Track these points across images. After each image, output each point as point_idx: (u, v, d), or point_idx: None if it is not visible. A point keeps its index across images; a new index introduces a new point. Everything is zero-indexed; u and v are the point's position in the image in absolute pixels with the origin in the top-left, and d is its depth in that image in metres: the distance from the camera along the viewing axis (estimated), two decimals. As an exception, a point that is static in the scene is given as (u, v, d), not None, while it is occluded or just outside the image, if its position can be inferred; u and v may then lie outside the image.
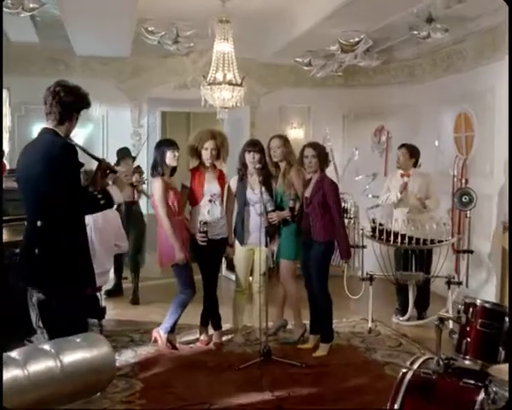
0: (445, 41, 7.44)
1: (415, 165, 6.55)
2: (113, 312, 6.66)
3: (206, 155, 5.36)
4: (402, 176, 6.50)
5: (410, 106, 8.49)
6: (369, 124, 9.02)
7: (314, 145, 5.36)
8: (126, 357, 5.14)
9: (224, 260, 5.59)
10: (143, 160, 8.43)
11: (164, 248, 5.24)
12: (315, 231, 5.18)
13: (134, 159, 7.20)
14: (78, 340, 2.83)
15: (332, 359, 5.17)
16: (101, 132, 8.63)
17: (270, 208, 5.26)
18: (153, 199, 5.27)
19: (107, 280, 5.73)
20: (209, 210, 5.38)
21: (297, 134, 9.07)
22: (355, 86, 9.00)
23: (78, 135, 8.48)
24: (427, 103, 8.27)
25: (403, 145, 6.56)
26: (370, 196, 8.60)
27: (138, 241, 7.22)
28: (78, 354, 2.74)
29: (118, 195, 3.68)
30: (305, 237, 5.28)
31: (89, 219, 5.06)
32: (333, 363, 5.04)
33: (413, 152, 6.49)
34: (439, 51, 7.97)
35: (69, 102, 3.44)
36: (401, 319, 6.42)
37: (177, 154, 5.21)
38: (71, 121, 3.52)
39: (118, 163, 6.86)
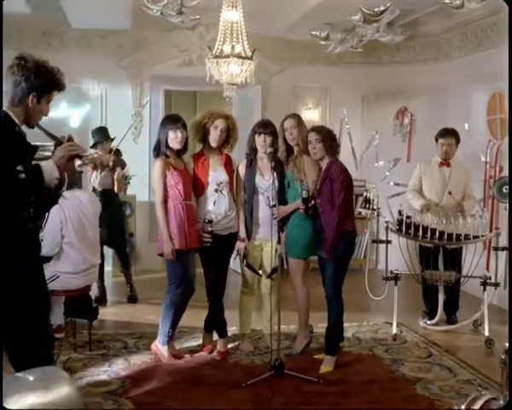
0: (477, 13, 6.77)
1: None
2: (108, 310, 6.03)
3: (214, 134, 4.67)
4: (441, 165, 5.81)
5: (436, 85, 7.94)
6: (391, 105, 8.49)
7: (318, 129, 4.71)
8: (117, 368, 4.48)
9: (236, 256, 4.86)
10: (145, 145, 7.85)
11: (159, 237, 4.62)
12: (325, 225, 4.52)
13: (112, 140, 6.35)
14: (30, 378, 2.14)
15: (354, 373, 4.49)
16: (99, 113, 8.05)
17: (271, 203, 4.55)
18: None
19: (96, 277, 5.04)
20: (215, 201, 4.69)
21: (312, 115, 8.49)
22: (376, 64, 8.44)
23: (74, 116, 8.02)
24: (455, 83, 7.66)
25: (449, 133, 5.79)
26: (392, 183, 8.06)
27: (120, 233, 6.57)
28: (29, 398, 2.05)
29: (50, 170, 2.81)
30: (321, 231, 4.61)
31: (58, 209, 4.39)
32: (355, 380, 4.36)
33: (459, 139, 5.82)
34: (470, 24, 7.35)
35: (25, 80, 2.79)
36: (429, 323, 5.74)
37: (180, 135, 4.53)
38: (28, 104, 2.85)
39: (94, 147, 6.14)
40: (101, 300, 6.24)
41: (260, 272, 4.91)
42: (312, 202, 4.62)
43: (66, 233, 4.59)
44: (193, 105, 10.19)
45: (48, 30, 7.76)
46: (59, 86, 2.96)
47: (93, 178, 6.23)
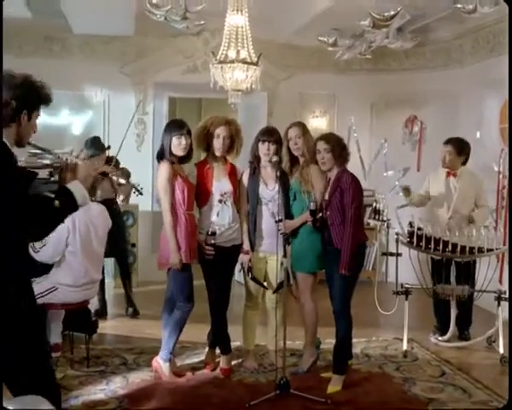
0: (489, 18, 6.59)
1: (464, 162, 5.66)
2: (107, 324, 5.83)
3: (217, 143, 4.47)
4: (448, 175, 5.61)
5: (446, 93, 7.74)
6: (400, 113, 8.31)
7: (327, 138, 4.47)
8: (115, 387, 4.27)
9: (240, 269, 4.65)
10: (148, 153, 7.68)
11: (162, 247, 4.40)
12: (336, 238, 4.31)
13: (108, 148, 6.03)
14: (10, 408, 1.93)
15: (363, 393, 4.28)
16: (101, 121, 7.85)
17: (277, 218, 4.30)
18: (157, 189, 4.49)
19: (96, 292, 4.84)
20: (219, 212, 4.48)
21: (319, 124, 8.34)
22: (385, 71, 8.27)
23: (76, 123, 7.86)
24: (466, 90, 7.47)
25: (448, 141, 5.63)
26: (401, 193, 7.80)
27: (122, 243, 6.36)
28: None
29: (81, 191, 2.71)
30: (329, 244, 4.40)
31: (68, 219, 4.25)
32: (365, 400, 4.15)
33: (462, 148, 5.59)
34: (482, 30, 7.17)
35: (15, 99, 2.60)
36: (440, 339, 5.51)
37: (184, 142, 4.33)
38: (21, 123, 2.66)
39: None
40: (102, 313, 6.04)
41: (265, 284, 4.71)
42: (320, 214, 4.42)
43: (72, 243, 4.41)
44: (198, 112, 10.00)
45: (49, 35, 7.60)
46: (47, 100, 2.76)
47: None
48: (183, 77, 7.95)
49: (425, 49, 7.95)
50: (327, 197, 4.40)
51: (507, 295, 5.14)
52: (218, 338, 4.69)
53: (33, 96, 2.69)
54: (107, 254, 6.04)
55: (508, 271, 5.06)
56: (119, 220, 6.34)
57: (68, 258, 4.43)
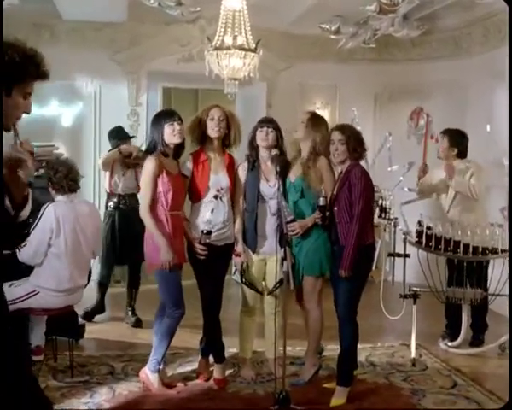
0: (500, 5, 6.25)
1: (460, 155, 5.42)
2: (96, 327, 5.49)
3: (212, 124, 4.13)
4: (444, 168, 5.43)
5: (454, 84, 7.48)
6: (405, 105, 8.06)
7: (342, 128, 4.13)
8: (100, 399, 3.94)
9: (235, 271, 4.33)
10: (142, 147, 7.32)
11: (147, 248, 4.07)
12: (343, 237, 3.98)
13: (132, 137, 6.06)
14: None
15: (370, 407, 3.96)
16: (92, 112, 7.53)
17: (289, 217, 3.97)
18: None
19: (80, 298, 4.49)
20: (213, 209, 4.12)
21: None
22: (390, 61, 8.02)
23: (66, 115, 7.52)
24: (475, 81, 7.19)
25: (444, 131, 5.57)
26: (406, 189, 7.52)
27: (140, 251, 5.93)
28: None
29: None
30: (336, 244, 4.07)
31: (51, 215, 4.04)
32: (372, 416, 3.82)
33: (454, 139, 5.43)
34: (492, 18, 6.88)
35: None
36: (450, 344, 5.19)
37: (178, 127, 4.00)
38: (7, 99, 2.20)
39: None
40: (98, 310, 5.73)
41: (263, 286, 4.37)
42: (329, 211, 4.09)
43: (56, 244, 4.07)
44: (194, 104, 9.63)
45: (38, 22, 7.23)
46: (38, 73, 2.22)
47: (114, 182, 5.67)
48: (178, 66, 7.62)
49: (432, 38, 7.69)
50: (335, 192, 4.06)
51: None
52: (211, 345, 4.36)
53: (14, 65, 2.15)
54: (120, 261, 5.75)
55: (508, 281, 4.76)
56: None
57: (52, 260, 4.11)
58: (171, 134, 4.01)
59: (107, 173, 5.70)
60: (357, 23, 6.84)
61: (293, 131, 4.36)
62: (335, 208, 4.04)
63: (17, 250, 4.05)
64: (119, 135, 5.83)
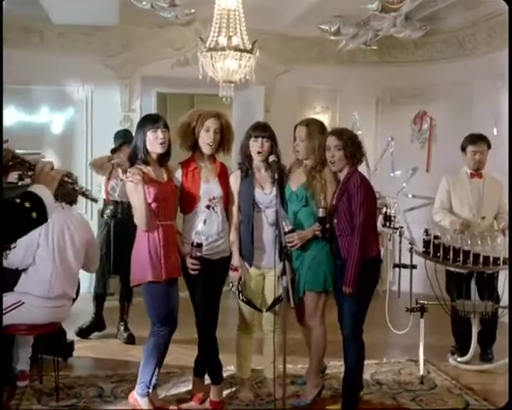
0: (503, 4, 6.07)
1: None
2: (85, 344, 5.23)
3: (207, 137, 3.86)
4: (472, 177, 5.12)
5: (459, 86, 7.41)
6: (408, 109, 7.98)
7: (339, 133, 3.88)
8: (86, 426, 3.68)
9: (231, 288, 4.05)
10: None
11: (133, 261, 3.85)
12: (344, 251, 3.75)
13: None
14: None
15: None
16: (84, 118, 7.40)
17: (287, 228, 3.72)
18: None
19: (67, 314, 4.21)
20: (206, 220, 3.86)
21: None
22: (391, 63, 7.94)
23: (56, 121, 7.33)
24: (482, 83, 7.12)
25: (480, 138, 5.15)
26: (410, 195, 7.41)
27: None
28: None
29: (48, 197, 2.26)
30: (337, 258, 3.83)
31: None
32: (379, 443, 3.56)
33: (490, 145, 5.16)
34: (497, 17, 6.73)
35: None
36: (459, 360, 4.93)
37: (162, 134, 3.73)
38: None
39: (114, 151, 5.41)
40: (97, 327, 5.51)
41: (261, 302, 4.11)
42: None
43: (43, 244, 3.95)
44: (190, 109, 9.44)
45: (27, 26, 7.08)
46: None
47: (110, 188, 5.41)
48: (172, 71, 7.48)
49: (435, 39, 7.60)
50: (334, 202, 3.80)
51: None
52: (207, 365, 4.09)
53: None
54: (112, 271, 5.49)
55: (508, 282, 4.56)
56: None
57: (39, 265, 3.95)
58: (153, 142, 3.75)
59: (104, 178, 5.46)
60: (358, 24, 6.75)
61: (295, 151, 4.09)
62: (335, 220, 3.80)
63: (3, 257, 3.82)
64: (123, 137, 5.54)
